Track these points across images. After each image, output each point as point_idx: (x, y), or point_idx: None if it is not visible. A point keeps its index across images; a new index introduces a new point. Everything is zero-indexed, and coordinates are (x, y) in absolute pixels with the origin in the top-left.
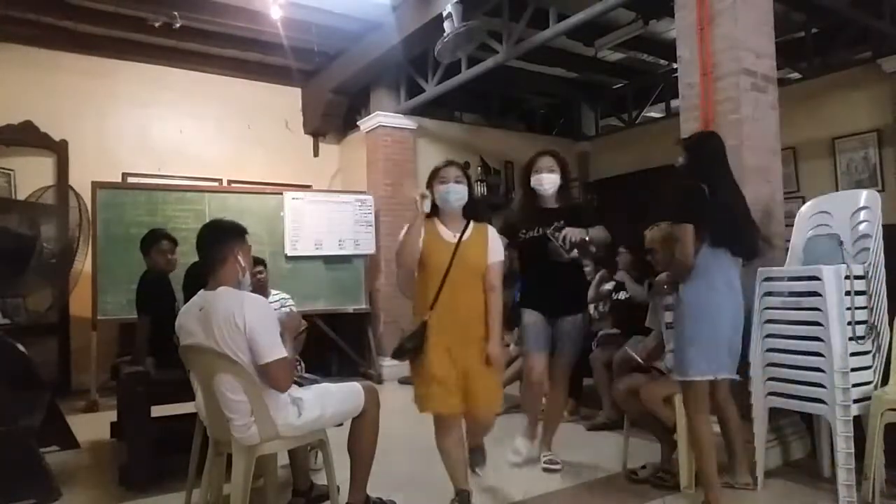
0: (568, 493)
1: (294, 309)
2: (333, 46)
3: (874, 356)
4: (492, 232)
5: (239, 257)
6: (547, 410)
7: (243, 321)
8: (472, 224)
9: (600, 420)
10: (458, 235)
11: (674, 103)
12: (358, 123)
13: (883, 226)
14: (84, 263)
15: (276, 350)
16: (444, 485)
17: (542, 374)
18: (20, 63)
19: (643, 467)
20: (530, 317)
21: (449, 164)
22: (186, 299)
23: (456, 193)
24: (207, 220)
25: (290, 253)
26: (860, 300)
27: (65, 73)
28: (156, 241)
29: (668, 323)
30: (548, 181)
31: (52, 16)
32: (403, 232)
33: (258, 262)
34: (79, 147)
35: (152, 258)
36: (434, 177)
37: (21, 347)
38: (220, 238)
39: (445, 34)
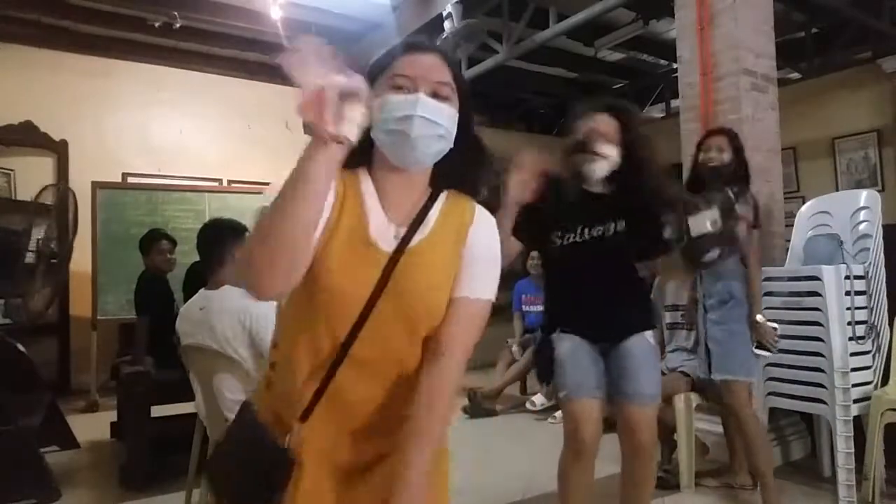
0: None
1: None
2: (333, 46)
3: (874, 356)
4: (481, 225)
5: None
6: (624, 493)
7: (249, 320)
8: (442, 200)
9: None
10: (401, 231)
11: (674, 103)
12: None
13: (883, 226)
14: (68, 263)
15: None
16: None
17: (594, 434)
18: (20, 63)
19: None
20: (566, 344)
21: (418, 47)
22: (187, 299)
23: (427, 125)
24: (207, 220)
25: None
26: (860, 300)
27: (65, 73)
28: (155, 241)
29: (668, 323)
30: (602, 154)
31: (52, 16)
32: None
33: None
34: (79, 147)
35: (152, 258)
36: (381, 73)
37: (21, 347)
38: (220, 238)
39: (444, 33)
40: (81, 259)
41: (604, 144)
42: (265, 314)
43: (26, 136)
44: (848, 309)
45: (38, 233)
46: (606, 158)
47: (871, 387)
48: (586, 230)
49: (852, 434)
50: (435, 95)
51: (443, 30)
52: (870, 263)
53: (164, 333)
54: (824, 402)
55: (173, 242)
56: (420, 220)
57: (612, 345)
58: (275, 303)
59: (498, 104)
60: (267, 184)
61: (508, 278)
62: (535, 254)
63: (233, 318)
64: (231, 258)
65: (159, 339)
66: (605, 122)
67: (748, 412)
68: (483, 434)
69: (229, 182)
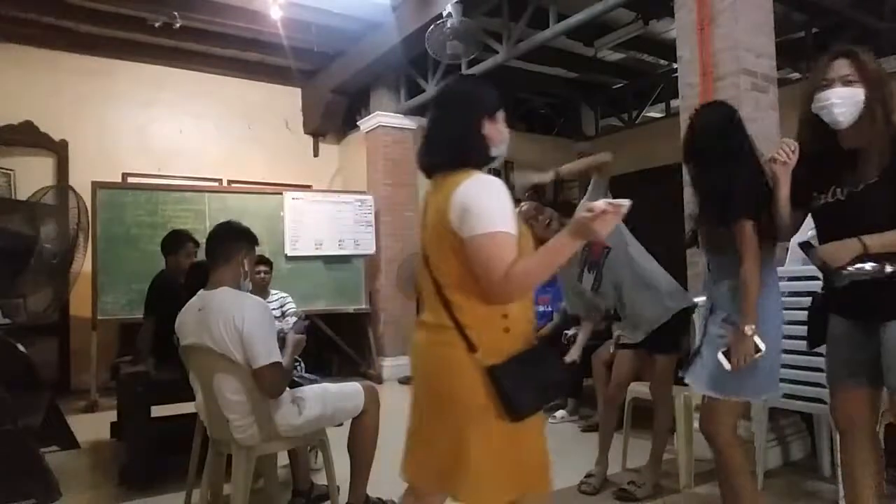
0: (568, 492)
1: (293, 307)
2: (333, 46)
3: None
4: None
5: (245, 261)
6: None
7: (242, 323)
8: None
9: (595, 420)
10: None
11: (674, 103)
12: (358, 123)
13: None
14: (83, 264)
15: (270, 355)
16: None
17: (862, 426)
18: (20, 63)
19: (590, 475)
20: (838, 327)
21: None
22: (187, 299)
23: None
24: (207, 221)
25: (290, 253)
26: None
27: (65, 73)
28: (183, 242)
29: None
30: (839, 100)
31: (51, 16)
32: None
33: (264, 261)
34: (79, 147)
35: (178, 259)
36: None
37: (21, 347)
38: (233, 237)
39: (438, 23)
40: (78, 258)
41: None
42: (258, 318)
43: (26, 136)
44: None
45: (45, 233)
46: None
47: None
48: (835, 189)
49: None
50: None
51: (441, 30)
52: None
53: (167, 334)
54: (824, 402)
55: (196, 244)
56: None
57: (882, 323)
58: (271, 304)
59: None
60: (267, 184)
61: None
62: None
63: (227, 320)
64: (236, 260)
65: (162, 339)
66: (841, 66)
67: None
68: None
69: (229, 182)
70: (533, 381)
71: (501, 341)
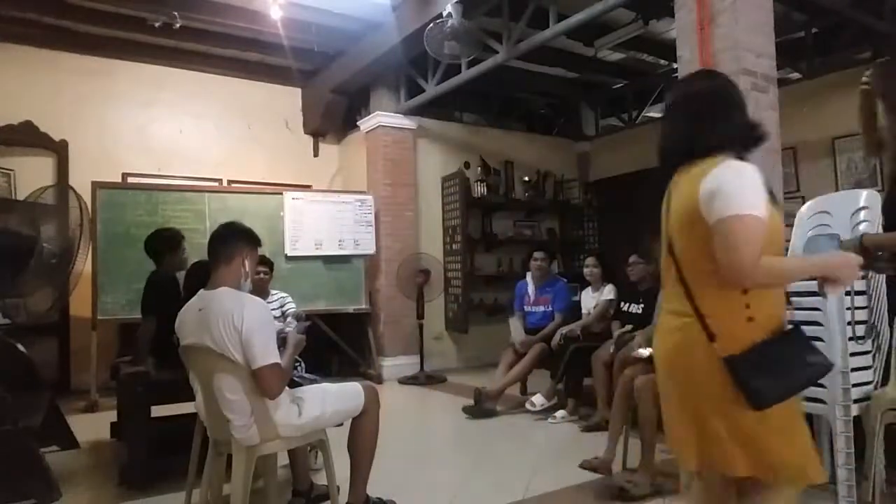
0: (568, 492)
1: (293, 307)
2: (333, 46)
3: (874, 356)
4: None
5: (246, 262)
6: None
7: (241, 323)
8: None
9: (595, 420)
10: None
11: None
12: (358, 123)
13: (882, 226)
14: (84, 264)
15: (269, 356)
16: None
17: None
18: (20, 63)
19: (595, 458)
20: None
21: None
22: (187, 299)
23: None
24: (207, 221)
25: (290, 253)
26: (860, 300)
27: (65, 73)
28: (179, 242)
29: None
30: None
31: (51, 16)
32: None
33: (265, 262)
34: (79, 147)
35: (175, 259)
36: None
37: (21, 347)
38: (235, 237)
39: (437, 22)
40: (81, 259)
41: None
42: (257, 318)
43: (26, 136)
44: (848, 309)
45: (45, 233)
46: None
47: (871, 387)
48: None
49: (852, 434)
50: None
51: (440, 29)
52: None
53: (167, 334)
54: (824, 402)
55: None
56: None
57: None
58: (271, 305)
59: (498, 104)
60: (267, 184)
61: (509, 278)
62: (538, 254)
63: (227, 320)
64: (238, 260)
65: (161, 340)
66: None
67: None
68: (483, 434)
69: (229, 182)
70: (776, 370)
71: (744, 331)
